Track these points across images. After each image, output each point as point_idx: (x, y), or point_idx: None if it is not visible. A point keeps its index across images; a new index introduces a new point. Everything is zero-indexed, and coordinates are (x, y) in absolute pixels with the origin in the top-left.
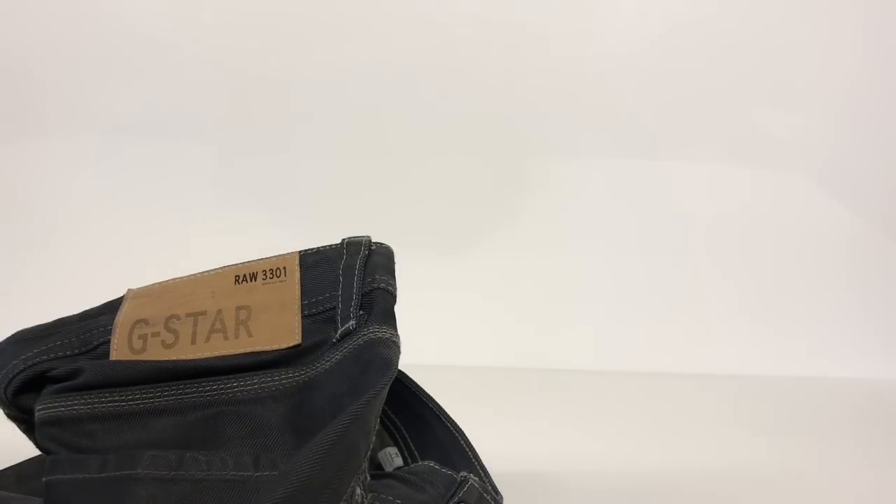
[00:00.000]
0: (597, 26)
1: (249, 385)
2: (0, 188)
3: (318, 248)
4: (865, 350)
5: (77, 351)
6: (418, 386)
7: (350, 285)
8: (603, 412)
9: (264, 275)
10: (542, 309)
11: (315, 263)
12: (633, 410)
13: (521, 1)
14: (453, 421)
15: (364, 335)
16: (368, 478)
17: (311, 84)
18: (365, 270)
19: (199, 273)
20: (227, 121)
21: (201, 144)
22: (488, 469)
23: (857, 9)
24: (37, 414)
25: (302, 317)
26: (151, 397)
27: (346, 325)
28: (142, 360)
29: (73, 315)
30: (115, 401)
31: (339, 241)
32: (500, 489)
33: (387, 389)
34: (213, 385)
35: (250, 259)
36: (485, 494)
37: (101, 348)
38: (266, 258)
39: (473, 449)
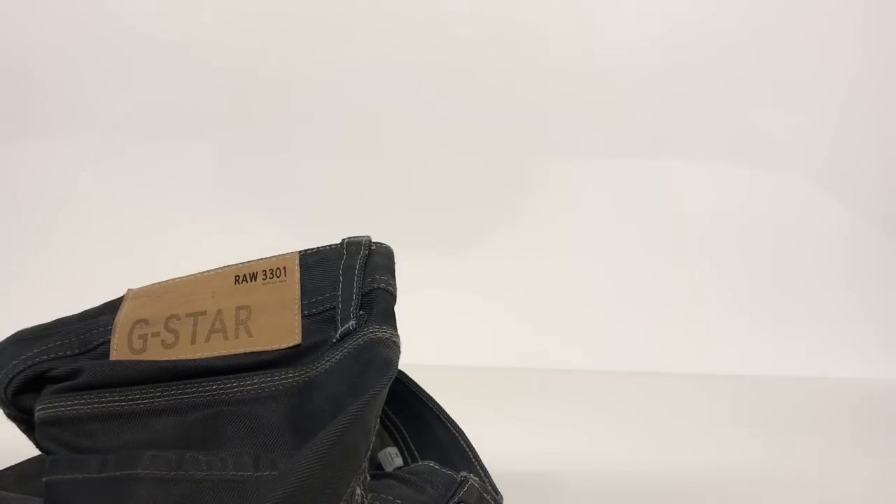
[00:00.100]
0: (596, 26)
1: (249, 385)
2: (0, 188)
3: (318, 248)
4: (865, 350)
5: (77, 351)
6: (418, 386)
7: (350, 285)
8: (603, 412)
9: (264, 275)
10: (542, 309)
11: (315, 263)
12: (632, 410)
13: (522, 1)
14: (453, 421)
15: (364, 335)
16: (368, 478)
17: (311, 84)
18: (365, 270)
19: (199, 273)
20: (227, 121)
21: (201, 144)
22: (488, 469)
23: (857, 9)
24: (37, 414)
25: (302, 317)
26: (151, 397)
27: (346, 325)
28: (142, 360)
29: (73, 315)
30: (115, 401)
31: (339, 241)
32: (500, 489)
33: (387, 389)
34: (213, 385)
35: (250, 259)
36: (485, 494)
37: (101, 348)
38: (266, 258)
39: (473, 449)
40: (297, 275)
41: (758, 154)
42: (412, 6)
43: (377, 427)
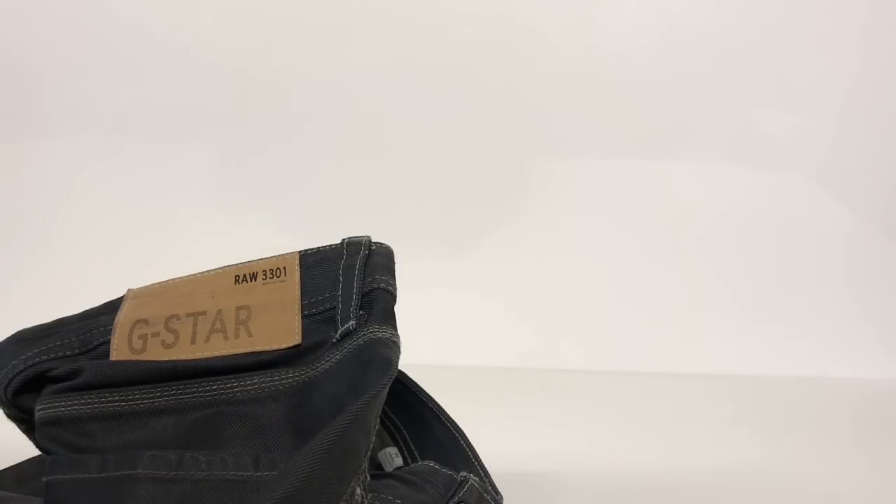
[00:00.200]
0: (597, 26)
1: (249, 385)
2: (0, 188)
3: (318, 248)
4: (865, 350)
5: (77, 351)
6: (418, 386)
7: (350, 285)
8: (603, 412)
9: (264, 275)
10: (541, 309)
11: (315, 263)
12: (632, 410)
13: (522, 1)
14: (453, 421)
15: (364, 335)
16: (368, 478)
17: (311, 84)
18: (365, 270)
19: (199, 273)
20: (227, 121)
21: (201, 144)
22: (488, 469)
23: (857, 9)
24: (37, 414)
25: (302, 317)
26: (151, 397)
27: (346, 325)
28: (142, 360)
29: (73, 315)
30: (115, 401)
31: (339, 241)
32: (500, 489)
33: (387, 389)
34: (213, 385)
35: (250, 259)
36: (485, 494)
37: (101, 348)
38: (266, 258)
39: (473, 449)
40: (297, 275)
41: (758, 154)
42: (412, 6)
43: (377, 427)
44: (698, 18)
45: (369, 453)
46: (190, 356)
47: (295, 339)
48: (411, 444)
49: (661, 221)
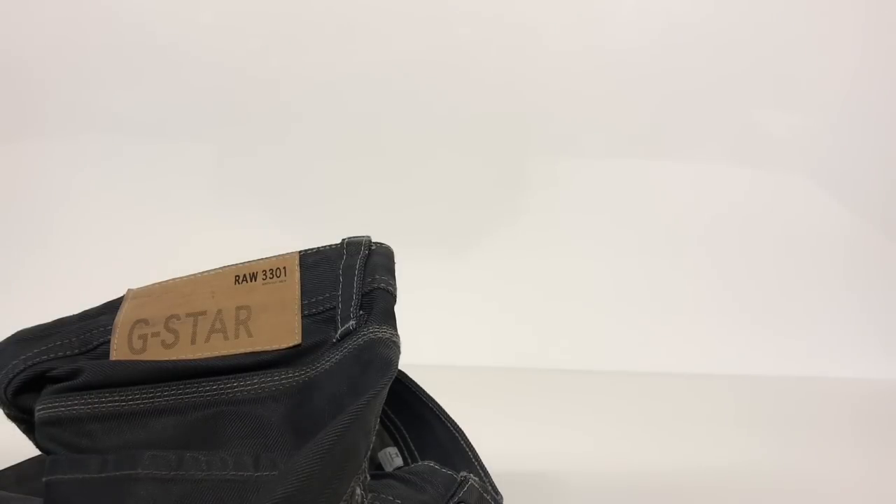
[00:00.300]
0: (596, 25)
1: (249, 385)
2: (0, 188)
3: (318, 248)
4: (865, 350)
5: (77, 351)
6: (418, 386)
7: (350, 285)
8: (603, 412)
9: (264, 275)
10: (541, 309)
11: (315, 263)
12: (632, 410)
13: (522, 1)
14: (453, 421)
15: (364, 335)
16: (368, 478)
17: (310, 84)
18: (365, 270)
19: (199, 273)
20: (226, 120)
21: (201, 144)
22: (488, 469)
23: (857, 9)
24: (37, 414)
25: (302, 317)
26: (151, 397)
27: (347, 325)
28: (142, 360)
29: (73, 315)
30: (115, 401)
31: (339, 241)
32: (500, 489)
33: (387, 389)
34: (213, 385)
35: (250, 259)
36: (485, 494)
37: (101, 348)
38: (266, 258)
39: (473, 449)
40: (297, 275)
41: (758, 154)
42: (412, 6)
43: (377, 427)
44: (698, 18)
45: (369, 453)
46: (190, 356)
47: (295, 339)
48: (411, 444)
49: (661, 221)
